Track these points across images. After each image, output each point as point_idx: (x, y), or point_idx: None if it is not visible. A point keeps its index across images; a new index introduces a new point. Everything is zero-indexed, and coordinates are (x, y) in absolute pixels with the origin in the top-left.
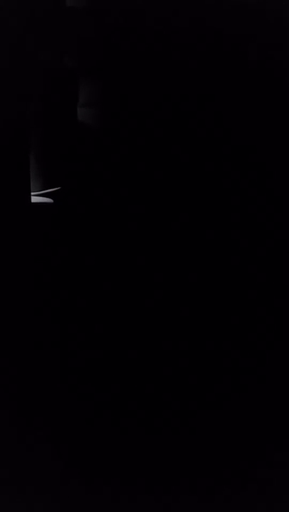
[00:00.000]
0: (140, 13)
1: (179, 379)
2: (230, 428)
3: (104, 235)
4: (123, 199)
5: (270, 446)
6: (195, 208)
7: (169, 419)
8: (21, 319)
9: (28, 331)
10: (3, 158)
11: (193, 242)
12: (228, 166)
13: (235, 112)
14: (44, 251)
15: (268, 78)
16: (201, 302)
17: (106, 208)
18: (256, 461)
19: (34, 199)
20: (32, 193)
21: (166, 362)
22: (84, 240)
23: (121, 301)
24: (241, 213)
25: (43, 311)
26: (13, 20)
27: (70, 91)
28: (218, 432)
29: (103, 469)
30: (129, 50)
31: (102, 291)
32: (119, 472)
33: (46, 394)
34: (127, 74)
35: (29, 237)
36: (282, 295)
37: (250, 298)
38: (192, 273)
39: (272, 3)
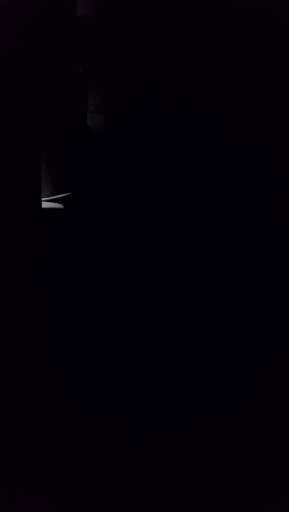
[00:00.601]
0: (148, 22)
1: (179, 380)
2: (231, 428)
3: (114, 240)
4: (132, 205)
5: (270, 446)
6: (205, 215)
7: (169, 420)
8: (30, 320)
9: (34, 330)
10: (14, 164)
11: (202, 250)
12: (234, 171)
13: (240, 117)
14: (54, 256)
15: (270, 80)
16: (203, 308)
17: (116, 213)
18: (256, 461)
19: (45, 204)
20: (42, 199)
21: (166, 363)
22: (94, 245)
23: (129, 305)
24: (244, 223)
25: (51, 314)
26: (25, 28)
27: (80, 97)
28: (218, 432)
29: (103, 469)
30: (138, 57)
31: (111, 296)
32: (119, 472)
33: (47, 394)
34: (136, 80)
35: (40, 242)
36: (282, 296)
37: (251, 299)
38: (200, 281)
39: (272, 3)
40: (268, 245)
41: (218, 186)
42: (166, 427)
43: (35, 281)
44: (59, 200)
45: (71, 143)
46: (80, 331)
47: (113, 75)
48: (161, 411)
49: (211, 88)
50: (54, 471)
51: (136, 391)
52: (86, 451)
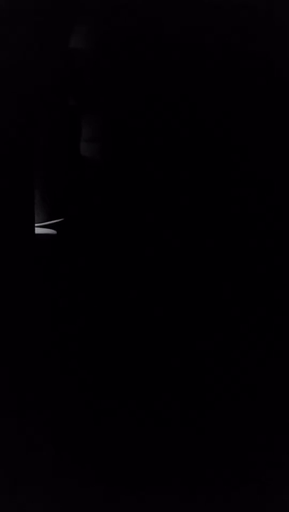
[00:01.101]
0: (140, 55)
1: (179, 381)
2: (230, 428)
3: (107, 265)
4: (125, 231)
5: (270, 447)
6: (197, 240)
7: (169, 419)
8: (23, 340)
9: (27, 355)
10: (8, 190)
11: (199, 277)
12: (233, 197)
13: (239, 141)
14: (47, 281)
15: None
16: (202, 322)
17: (108, 239)
18: (256, 462)
19: (38, 230)
20: (36, 225)
21: (166, 365)
22: (86, 271)
23: (122, 331)
24: (245, 235)
25: (45, 337)
26: (19, 60)
27: (74, 127)
28: (218, 432)
29: (103, 469)
30: (129, 88)
31: (104, 322)
32: (119, 472)
33: (47, 395)
34: (128, 110)
35: (33, 268)
36: (282, 296)
37: (251, 300)
38: (197, 300)
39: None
40: (268, 245)
41: (212, 213)
42: (167, 426)
43: (27, 305)
44: (52, 226)
45: (64, 170)
46: (74, 352)
47: (106, 106)
48: (161, 411)
49: (203, 119)
50: (54, 471)
51: (136, 393)
52: (86, 452)
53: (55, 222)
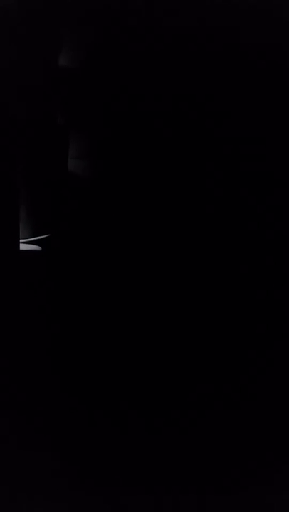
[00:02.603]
0: (128, 73)
1: (178, 383)
2: (230, 429)
3: (93, 282)
4: (112, 247)
5: (270, 448)
6: (187, 258)
7: (168, 422)
8: (13, 356)
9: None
10: None
11: (189, 292)
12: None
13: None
14: (32, 298)
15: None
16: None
17: (95, 256)
18: (256, 462)
19: (23, 246)
20: (21, 241)
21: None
22: (71, 287)
23: (113, 349)
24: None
25: (30, 351)
26: (8, 80)
27: (61, 145)
28: (218, 433)
29: (103, 470)
30: (118, 106)
31: (92, 338)
32: (119, 472)
33: (48, 396)
34: (115, 128)
35: (17, 284)
36: (281, 296)
37: (251, 301)
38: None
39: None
40: (268, 246)
41: (205, 228)
42: (166, 428)
43: (11, 323)
44: (37, 242)
45: (50, 186)
46: (59, 365)
47: (94, 124)
48: (161, 413)
49: (193, 135)
50: (54, 473)
51: (136, 395)
52: (86, 452)
53: (40, 239)
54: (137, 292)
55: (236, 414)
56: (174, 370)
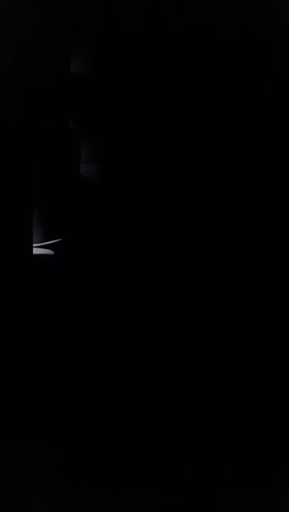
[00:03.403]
0: (137, 78)
1: (178, 383)
2: (230, 429)
3: (104, 285)
4: (124, 251)
5: (270, 447)
6: (195, 263)
7: (168, 422)
8: (22, 361)
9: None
10: (7, 210)
11: (192, 297)
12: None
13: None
14: (45, 301)
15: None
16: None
17: (106, 259)
18: (255, 462)
19: (35, 250)
20: (34, 244)
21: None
22: (83, 291)
23: (120, 352)
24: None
25: (42, 355)
26: (22, 86)
27: (73, 149)
28: (217, 432)
29: (103, 470)
30: (128, 110)
31: (103, 342)
32: (118, 472)
33: (48, 397)
34: (126, 133)
35: (30, 287)
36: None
37: (251, 303)
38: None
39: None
40: (268, 246)
41: (210, 232)
42: (166, 428)
43: (24, 326)
44: (50, 246)
45: (63, 191)
46: (71, 369)
47: (104, 128)
48: (160, 413)
49: (200, 139)
50: (54, 472)
51: (136, 395)
52: (86, 452)
53: (53, 243)
54: (147, 295)
55: (236, 414)
56: (174, 373)
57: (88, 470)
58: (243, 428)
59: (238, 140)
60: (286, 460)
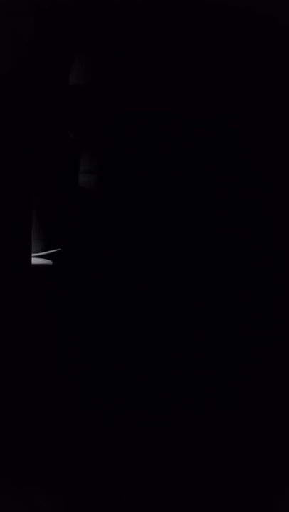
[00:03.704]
0: (135, 91)
1: (178, 384)
2: (230, 428)
3: (103, 296)
4: (123, 260)
5: (270, 447)
6: (194, 269)
7: (168, 421)
8: (21, 367)
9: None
10: (6, 220)
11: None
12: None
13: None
14: (43, 310)
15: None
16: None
17: (104, 268)
18: (256, 463)
19: (34, 260)
20: (32, 254)
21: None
22: (82, 300)
23: (121, 362)
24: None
25: (41, 364)
26: (21, 97)
27: (72, 160)
28: (217, 433)
29: (103, 470)
30: (127, 122)
31: (102, 352)
32: (119, 472)
33: (48, 397)
34: (124, 144)
35: (28, 297)
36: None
37: (251, 305)
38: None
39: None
40: (268, 248)
41: (209, 240)
42: (166, 428)
43: (23, 335)
44: (48, 256)
45: (62, 201)
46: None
47: (103, 140)
48: (160, 413)
49: (198, 148)
50: (54, 472)
51: (136, 395)
52: (86, 452)
53: (51, 253)
54: (146, 304)
55: (236, 414)
56: (174, 373)
57: (88, 470)
58: (243, 428)
59: (238, 141)
60: (286, 460)
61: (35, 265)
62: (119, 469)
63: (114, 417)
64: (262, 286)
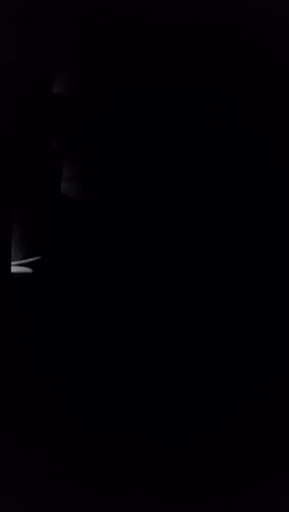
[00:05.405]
0: (119, 98)
1: (178, 383)
2: (231, 430)
3: (84, 305)
4: (104, 269)
5: (270, 448)
6: (187, 285)
7: (168, 423)
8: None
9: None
10: None
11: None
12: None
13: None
14: (23, 320)
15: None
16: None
17: (87, 278)
18: (255, 462)
19: (14, 268)
20: (12, 263)
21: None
22: (62, 311)
23: (106, 374)
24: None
25: (21, 374)
26: (3, 106)
27: (54, 167)
28: (217, 433)
29: (103, 470)
30: (111, 131)
31: (84, 362)
32: (119, 473)
33: (48, 397)
34: (108, 149)
35: (8, 307)
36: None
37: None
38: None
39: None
40: (269, 248)
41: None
42: (166, 427)
43: (2, 346)
44: (28, 264)
45: (43, 207)
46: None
47: (86, 148)
48: (160, 413)
49: (189, 157)
50: (53, 473)
51: (135, 394)
52: (86, 452)
53: (31, 261)
54: (132, 315)
55: (236, 414)
56: (174, 373)
57: (88, 470)
58: (243, 428)
59: (238, 141)
60: (286, 460)
61: (15, 273)
62: (120, 469)
63: (113, 416)
64: (262, 286)
